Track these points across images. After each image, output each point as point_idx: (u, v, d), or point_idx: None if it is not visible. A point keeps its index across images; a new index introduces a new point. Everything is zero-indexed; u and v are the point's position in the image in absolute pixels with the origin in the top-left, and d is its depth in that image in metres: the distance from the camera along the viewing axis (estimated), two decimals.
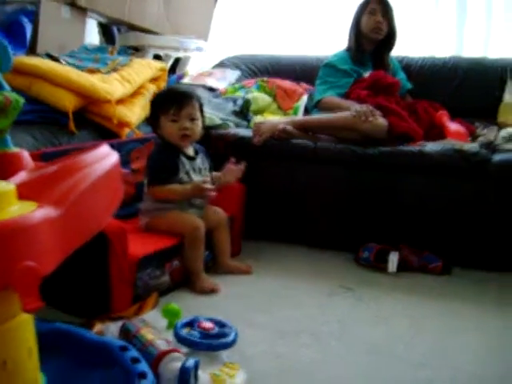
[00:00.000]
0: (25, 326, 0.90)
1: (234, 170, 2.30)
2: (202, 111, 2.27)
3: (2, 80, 1.31)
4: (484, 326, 1.87)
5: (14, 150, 1.36)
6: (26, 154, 1.39)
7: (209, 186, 2.15)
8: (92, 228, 1.00)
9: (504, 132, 2.54)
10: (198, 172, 2.25)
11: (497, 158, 2.33)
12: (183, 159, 2.21)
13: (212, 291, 2.06)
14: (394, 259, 2.30)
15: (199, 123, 2.23)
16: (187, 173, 2.20)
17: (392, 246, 2.37)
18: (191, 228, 2.10)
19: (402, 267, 2.31)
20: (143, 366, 1.28)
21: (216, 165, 2.35)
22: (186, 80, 3.23)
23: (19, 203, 0.88)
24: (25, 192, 0.90)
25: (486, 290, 2.18)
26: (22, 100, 1.28)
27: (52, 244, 0.85)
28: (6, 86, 1.33)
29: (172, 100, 2.19)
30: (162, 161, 2.19)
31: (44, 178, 0.96)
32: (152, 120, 2.26)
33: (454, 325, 1.88)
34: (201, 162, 2.28)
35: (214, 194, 2.18)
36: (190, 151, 2.27)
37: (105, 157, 1.09)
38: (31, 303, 0.79)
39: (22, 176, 1.02)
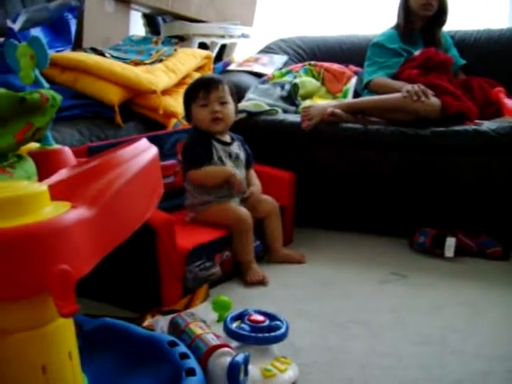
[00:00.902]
0: (63, 330, 0.89)
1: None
2: (233, 96, 2.23)
3: (40, 77, 1.31)
4: None
5: (56, 146, 1.36)
6: (67, 151, 1.38)
7: (239, 177, 2.10)
8: (129, 227, 0.97)
9: None
10: (234, 158, 2.20)
11: None
12: (216, 144, 2.17)
13: (259, 283, 2.02)
14: (451, 244, 2.22)
15: (231, 107, 2.19)
16: (220, 158, 2.15)
17: (447, 230, 2.29)
18: (236, 220, 2.07)
19: (459, 252, 2.22)
20: (192, 363, 1.26)
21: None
22: (232, 67, 3.20)
23: (53, 204, 0.86)
24: (59, 192, 0.89)
25: None
26: (59, 97, 1.26)
27: (87, 245, 0.83)
28: (45, 84, 1.32)
29: (200, 86, 2.17)
30: (195, 147, 2.15)
31: (79, 177, 0.93)
32: (185, 111, 2.25)
33: None
34: (237, 147, 2.24)
35: (241, 189, 2.12)
36: (226, 138, 2.23)
37: (142, 152, 1.06)
38: (67, 307, 0.77)
39: (60, 174, 1.01)
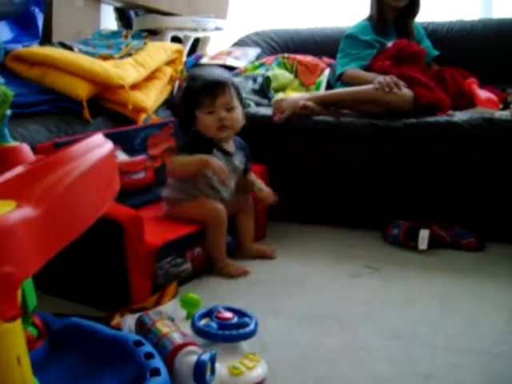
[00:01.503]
0: (12, 334, 0.85)
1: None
2: (240, 99, 2.14)
3: None
4: None
5: (13, 143, 1.32)
6: (25, 148, 1.34)
7: (218, 165, 1.99)
8: (82, 224, 0.93)
9: None
10: (233, 172, 2.11)
11: None
12: (217, 154, 2.07)
13: (243, 274, 2.03)
14: (424, 236, 2.20)
15: (238, 111, 2.09)
16: None
17: (420, 222, 2.27)
18: (212, 213, 2.03)
19: (433, 244, 2.21)
20: (157, 362, 1.24)
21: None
22: (204, 60, 3.16)
23: None
24: (4, 190, 0.85)
25: None
26: (10, 93, 1.23)
27: (32, 246, 0.80)
28: (0, 79, 1.29)
29: (204, 91, 2.04)
30: (192, 147, 2.04)
31: (26, 175, 0.90)
32: (188, 118, 2.11)
33: (485, 305, 1.79)
34: (239, 159, 2.15)
35: (224, 177, 2.01)
36: (229, 146, 2.13)
37: (96, 147, 1.03)
38: (8, 311, 0.74)
39: (12, 172, 0.97)
